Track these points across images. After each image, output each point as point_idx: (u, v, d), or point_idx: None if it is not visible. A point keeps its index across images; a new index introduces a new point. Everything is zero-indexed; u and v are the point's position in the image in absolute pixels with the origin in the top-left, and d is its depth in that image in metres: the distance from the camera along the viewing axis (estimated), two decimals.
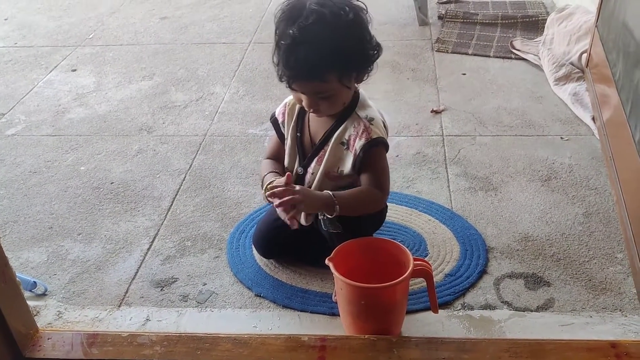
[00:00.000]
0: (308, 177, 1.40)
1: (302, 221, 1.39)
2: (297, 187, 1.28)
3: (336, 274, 1.26)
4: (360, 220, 1.37)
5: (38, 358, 1.27)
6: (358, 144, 1.32)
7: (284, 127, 1.44)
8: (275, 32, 1.27)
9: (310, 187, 1.39)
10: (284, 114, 1.44)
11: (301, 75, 1.24)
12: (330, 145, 1.36)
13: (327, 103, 1.29)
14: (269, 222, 1.55)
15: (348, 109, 1.34)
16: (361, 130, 1.32)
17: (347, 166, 1.35)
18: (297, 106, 1.40)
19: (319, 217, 1.39)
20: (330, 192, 1.30)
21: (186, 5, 3.45)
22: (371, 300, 1.27)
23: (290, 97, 1.41)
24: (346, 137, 1.34)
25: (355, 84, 1.32)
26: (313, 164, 1.39)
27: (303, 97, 1.29)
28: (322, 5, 1.21)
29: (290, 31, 1.20)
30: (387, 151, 1.36)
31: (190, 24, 3.19)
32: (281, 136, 1.46)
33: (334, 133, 1.35)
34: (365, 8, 1.28)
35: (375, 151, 1.32)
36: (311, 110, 1.32)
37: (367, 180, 1.34)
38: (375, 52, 1.29)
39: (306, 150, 1.42)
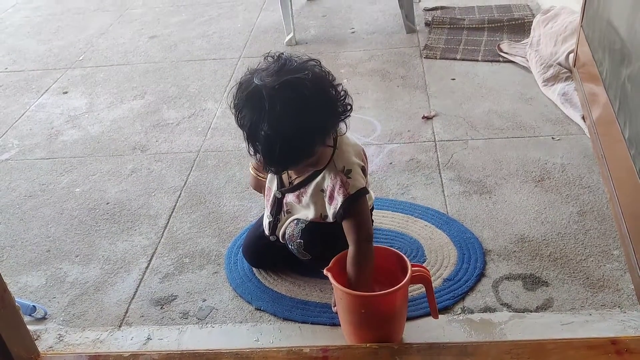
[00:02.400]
0: (285, 203, 1.44)
1: (280, 238, 1.49)
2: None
3: (335, 284, 1.26)
4: (327, 250, 1.36)
5: None
6: (337, 199, 1.31)
7: None
8: (239, 121, 1.22)
9: (287, 210, 1.45)
10: None
11: (292, 164, 1.27)
12: (310, 192, 1.38)
13: (313, 166, 1.31)
14: (257, 232, 1.58)
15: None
16: (338, 186, 1.31)
17: (330, 214, 1.36)
18: None
19: (288, 246, 1.45)
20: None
21: (174, 24, 3.47)
22: (371, 309, 1.27)
23: None
24: (324, 186, 1.35)
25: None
26: (291, 197, 1.42)
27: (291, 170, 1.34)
28: (280, 85, 1.15)
29: (262, 132, 1.15)
30: (367, 194, 1.34)
31: (180, 41, 3.21)
32: None
33: (313, 180, 1.36)
34: (316, 61, 1.23)
35: (354, 206, 1.30)
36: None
37: (350, 231, 1.31)
38: (345, 101, 1.25)
39: (283, 179, 1.43)
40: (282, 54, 1.23)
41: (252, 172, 1.52)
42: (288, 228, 1.45)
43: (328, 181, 1.33)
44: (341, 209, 1.30)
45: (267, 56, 1.24)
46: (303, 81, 1.16)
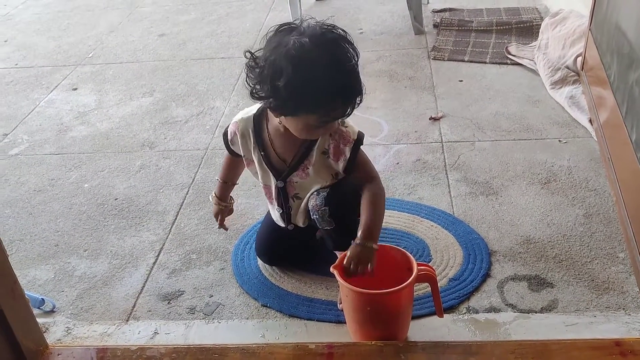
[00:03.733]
0: (291, 186, 1.44)
1: (299, 223, 1.47)
2: (350, 262, 1.28)
3: (341, 282, 1.27)
4: (352, 213, 1.39)
5: None
6: (344, 150, 1.35)
7: (233, 144, 1.46)
8: (265, 66, 1.21)
9: (296, 195, 1.45)
10: (234, 132, 1.43)
11: (327, 104, 1.21)
12: (315, 158, 1.38)
13: (326, 130, 1.30)
14: (269, 229, 1.60)
15: None
16: (340, 138, 1.35)
17: (340, 169, 1.39)
18: (250, 127, 1.40)
19: (312, 217, 1.43)
20: (360, 240, 1.30)
21: (184, 22, 3.49)
22: (377, 307, 1.28)
23: (239, 116, 1.42)
24: (326, 146, 1.37)
25: None
26: (295, 177, 1.42)
27: (302, 126, 1.27)
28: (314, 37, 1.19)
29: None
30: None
31: (189, 40, 3.23)
32: (232, 152, 1.49)
33: (314, 146, 1.37)
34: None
35: (360, 150, 1.37)
36: (302, 137, 1.32)
37: (361, 177, 1.39)
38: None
39: (277, 167, 1.43)
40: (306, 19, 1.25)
41: (214, 202, 1.61)
42: (310, 200, 1.43)
43: (328, 140, 1.36)
44: (351, 157, 1.36)
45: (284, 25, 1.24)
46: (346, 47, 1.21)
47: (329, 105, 1.21)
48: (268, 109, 1.33)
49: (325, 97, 1.19)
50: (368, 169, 1.40)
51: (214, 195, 1.61)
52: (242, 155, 1.46)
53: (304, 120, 1.25)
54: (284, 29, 1.24)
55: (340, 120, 1.31)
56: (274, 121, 1.36)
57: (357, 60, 1.23)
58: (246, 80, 1.27)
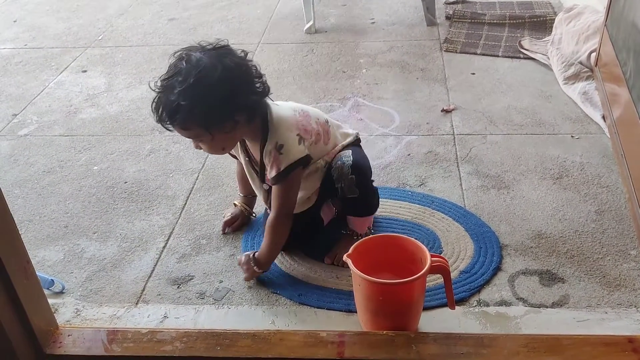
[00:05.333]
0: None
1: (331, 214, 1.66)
2: (244, 266, 1.52)
3: (354, 270, 1.27)
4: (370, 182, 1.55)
5: (59, 355, 1.28)
6: (271, 172, 1.42)
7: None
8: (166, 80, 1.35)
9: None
10: None
11: (161, 122, 1.34)
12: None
13: (205, 146, 1.40)
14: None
15: (264, 130, 1.42)
16: (272, 161, 1.41)
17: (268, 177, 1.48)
18: None
19: (337, 186, 1.50)
20: (253, 256, 1.50)
21: (194, 7, 3.46)
22: (389, 297, 1.28)
23: None
24: (266, 159, 1.44)
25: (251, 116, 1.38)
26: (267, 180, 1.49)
27: None
28: (190, 63, 1.30)
29: (158, 81, 1.33)
30: (302, 164, 1.44)
31: (199, 25, 3.21)
32: (233, 155, 1.61)
33: (264, 149, 1.44)
34: (242, 65, 1.35)
35: (285, 179, 1.42)
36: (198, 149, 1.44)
37: (275, 198, 1.46)
38: (240, 108, 1.34)
39: (258, 171, 1.52)
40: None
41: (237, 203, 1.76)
42: (335, 170, 1.49)
43: (269, 151, 1.42)
44: (273, 180, 1.43)
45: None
46: (212, 70, 1.30)
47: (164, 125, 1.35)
48: None
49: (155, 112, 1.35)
50: (281, 202, 1.45)
51: (240, 202, 1.74)
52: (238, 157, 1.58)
53: None
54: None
55: (277, 143, 1.40)
56: None
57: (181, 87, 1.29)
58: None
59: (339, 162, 1.49)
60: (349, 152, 1.51)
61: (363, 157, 1.56)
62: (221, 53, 1.34)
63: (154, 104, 1.33)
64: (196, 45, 1.35)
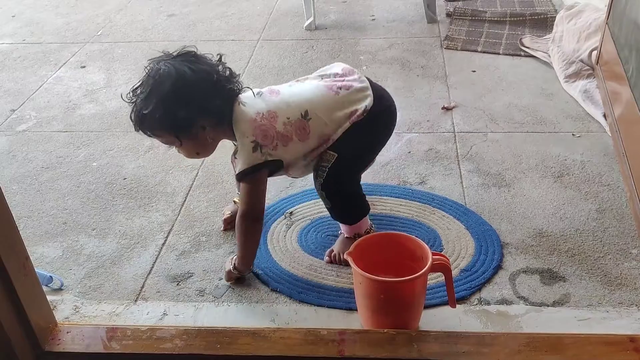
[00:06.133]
0: None
1: None
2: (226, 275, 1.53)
3: (355, 268, 1.26)
4: (346, 193, 1.52)
5: (58, 352, 1.27)
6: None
7: None
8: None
9: None
10: None
11: (137, 130, 1.39)
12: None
13: (181, 152, 1.45)
14: None
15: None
16: (236, 159, 1.44)
17: None
18: None
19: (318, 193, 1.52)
20: (231, 263, 1.51)
21: (193, 3, 3.45)
22: (390, 295, 1.28)
23: None
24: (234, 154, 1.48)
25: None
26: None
27: None
28: (150, 73, 1.36)
29: (130, 92, 1.38)
30: (261, 169, 1.42)
31: (198, 21, 3.20)
32: None
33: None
34: (204, 70, 1.36)
35: (242, 182, 1.43)
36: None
37: (240, 200, 1.48)
38: (200, 115, 1.36)
39: None
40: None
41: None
42: (314, 182, 1.52)
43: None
44: (236, 178, 1.46)
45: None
46: (166, 80, 1.33)
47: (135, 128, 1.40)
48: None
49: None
50: (241, 204, 1.45)
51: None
52: None
53: None
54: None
55: (235, 148, 1.44)
56: None
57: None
58: None
59: (315, 173, 1.49)
60: (326, 165, 1.46)
61: (342, 167, 1.46)
62: (183, 60, 1.35)
63: (130, 114, 1.38)
64: (162, 55, 1.38)
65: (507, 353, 1.20)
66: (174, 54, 1.38)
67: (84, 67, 2.77)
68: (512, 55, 2.63)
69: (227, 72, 1.41)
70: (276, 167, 1.44)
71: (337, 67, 1.54)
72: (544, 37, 2.71)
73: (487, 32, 2.85)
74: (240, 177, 1.42)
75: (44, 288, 1.51)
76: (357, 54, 2.72)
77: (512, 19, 2.94)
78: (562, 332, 1.29)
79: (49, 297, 1.47)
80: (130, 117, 1.38)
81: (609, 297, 1.44)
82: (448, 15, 3.06)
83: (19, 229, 1.65)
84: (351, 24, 3.06)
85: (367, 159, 1.61)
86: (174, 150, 1.47)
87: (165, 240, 1.69)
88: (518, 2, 3.15)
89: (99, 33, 3.12)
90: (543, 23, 2.88)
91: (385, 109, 1.53)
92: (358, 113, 1.45)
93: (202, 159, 2.01)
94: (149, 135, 1.40)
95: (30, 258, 1.62)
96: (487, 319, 1.39)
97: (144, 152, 2.10)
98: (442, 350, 1.21)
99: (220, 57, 1.41)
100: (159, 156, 2.07)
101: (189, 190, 1.89)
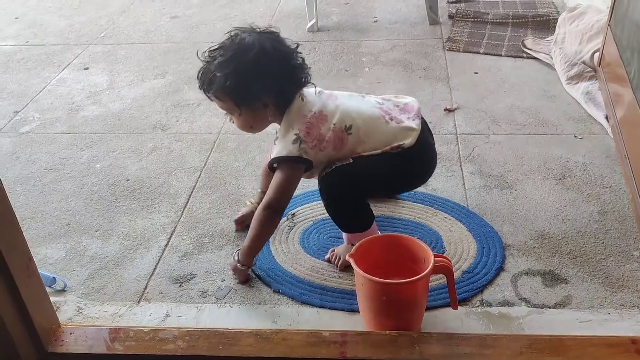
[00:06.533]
0: None
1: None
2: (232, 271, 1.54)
3: (357, 270, 1.27)
4: (343, 200, 1.50)
5: (61, 353, 1.28)
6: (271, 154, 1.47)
7: None
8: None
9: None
10: None
11: (202, 89, 1.43)
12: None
13: (235, 121, 1.47)
14: None
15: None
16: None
17: None
18: None
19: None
20: (235, 256, 1.52)
21: (196, 5, 3.46)
22: (392, 296, 1.28)
23: None
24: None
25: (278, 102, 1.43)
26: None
27: None
28: (234, 40, 1.40)
29: (207, 52, 1.42)
30: (295, 161, 1.42)
31: (201, 23, 3.20)
32: None
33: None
34: (283, 52, 1.40)
35: (275, 168, 1.45)
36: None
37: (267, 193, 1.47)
38: (265, 91, 1.40)
39: None
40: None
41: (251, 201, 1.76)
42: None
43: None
44: (269, 163, 1.47)
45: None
46: (247, 50, 1.37)
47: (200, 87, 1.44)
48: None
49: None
50: (269, 192, 1.44)
51: (256, 200, 1.71)
52: None
53: None
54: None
55: (277, 132, 1.46)
56: None
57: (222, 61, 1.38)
58: None
59: (324, 165, 1.49)
60: (337, 163, 1.45)
61: (350, 173, 1.45)
62: (266, 37, 1.39)
63: (199, 72, 1.41)
64: (247, 27, 1.42)
65: (508, 355, 1.21)
66: (259, 29, 1.42)
67: (87, 68, 2.78)
68: (515, 57, 2.64)
69: (301, 61, 1.44)
70: (307, 167, 1.45)
71: (407, 100, 1.58)
72: (546, 39, 2.71)
73: (489, 34, 2.85)
74: (275, 162, 1.43)
75: (47, 289, 1.51)
76: (359, 56, 2.73)
77: (515, 20, 2.94)
78: (564, 334, 1.30)
79: (52, 298, 1.47)
80: (198, 75, 1.41)
81: (611, 298, 1.44)
82: (450, 17, 3.07)
83: (22, 230, 1.66)
84: (353, 25, 3.07)
85: (376, 184, 1.52)
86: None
87: (168, 242, 1.69)
88: (520, 4, 3.15)
89: (102, 35, 3.13)
90: (545, 25, 2.88)
91: (420, 157, 1.53)
92: (393, 145, 1.46)
93: (203, 163, 2.02)
94: (210, 98, 1.43)
95: (34, 259, 1.64)
96: (489, 320, 1.39)
97: (146, 153, 2.11)
98: (444, 352, 1.21)
99: (298, 45, 1.45)
100: (162, 158, 2.08)
101: (192, 191, 1.90)
